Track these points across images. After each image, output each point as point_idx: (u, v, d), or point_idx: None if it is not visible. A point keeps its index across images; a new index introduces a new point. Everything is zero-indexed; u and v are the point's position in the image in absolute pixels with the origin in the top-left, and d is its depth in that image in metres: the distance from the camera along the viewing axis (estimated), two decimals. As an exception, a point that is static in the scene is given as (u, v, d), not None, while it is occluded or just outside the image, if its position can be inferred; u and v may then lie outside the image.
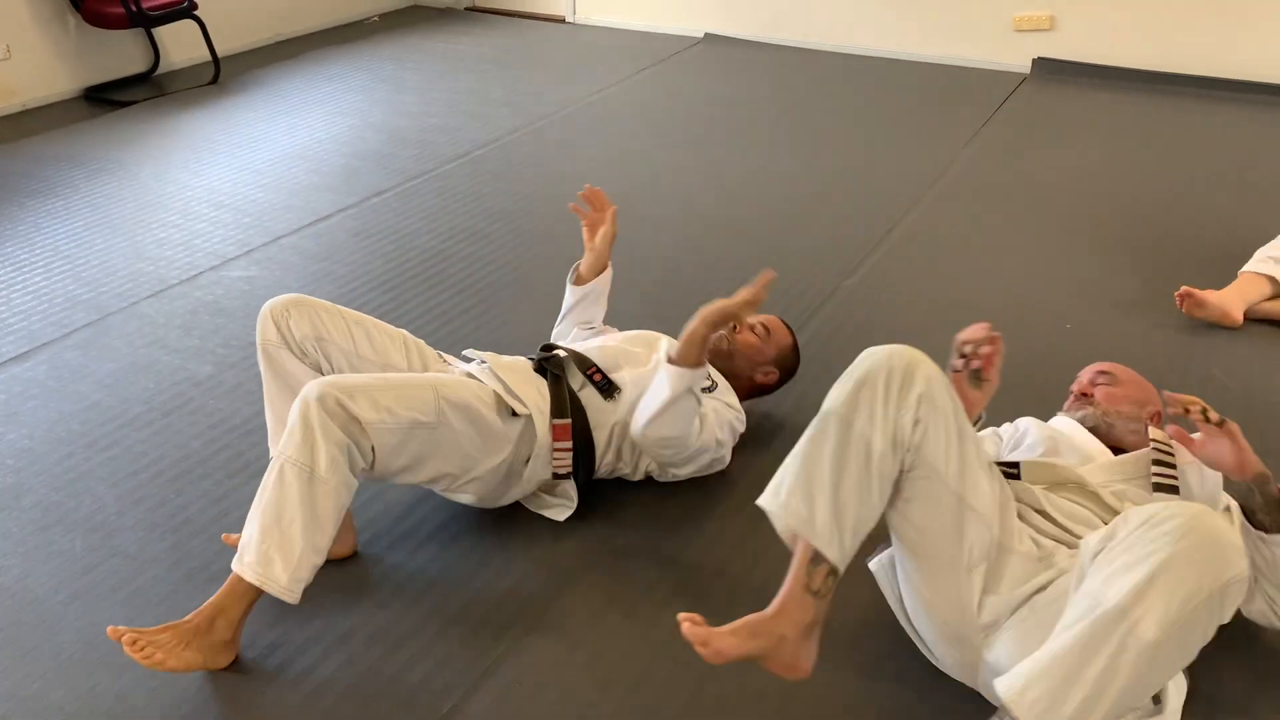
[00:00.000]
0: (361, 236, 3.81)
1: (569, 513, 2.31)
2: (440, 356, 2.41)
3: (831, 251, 3.69)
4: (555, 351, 2.38)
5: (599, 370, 2.35)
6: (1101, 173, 4.40)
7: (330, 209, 4.04)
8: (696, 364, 2.11)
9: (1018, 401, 2.49)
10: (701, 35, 6.48)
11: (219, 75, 5.55)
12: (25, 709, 1.89)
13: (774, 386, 2.64)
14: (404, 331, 2.39)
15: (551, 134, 4.88)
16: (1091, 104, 5.28)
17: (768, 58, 6.06)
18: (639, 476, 2.43)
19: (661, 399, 2.13)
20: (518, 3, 7.06)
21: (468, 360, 2.39)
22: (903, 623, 1.94)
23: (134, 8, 5.09)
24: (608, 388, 2.32)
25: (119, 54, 5.51)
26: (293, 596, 1.91)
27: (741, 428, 2.47)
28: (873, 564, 1.97)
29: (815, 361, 3.01)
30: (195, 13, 5.36)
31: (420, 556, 2.26)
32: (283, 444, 1.94)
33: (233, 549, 1.98)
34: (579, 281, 2.72)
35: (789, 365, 2.65)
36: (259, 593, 1.92)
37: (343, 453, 1.94)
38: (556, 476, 2.30)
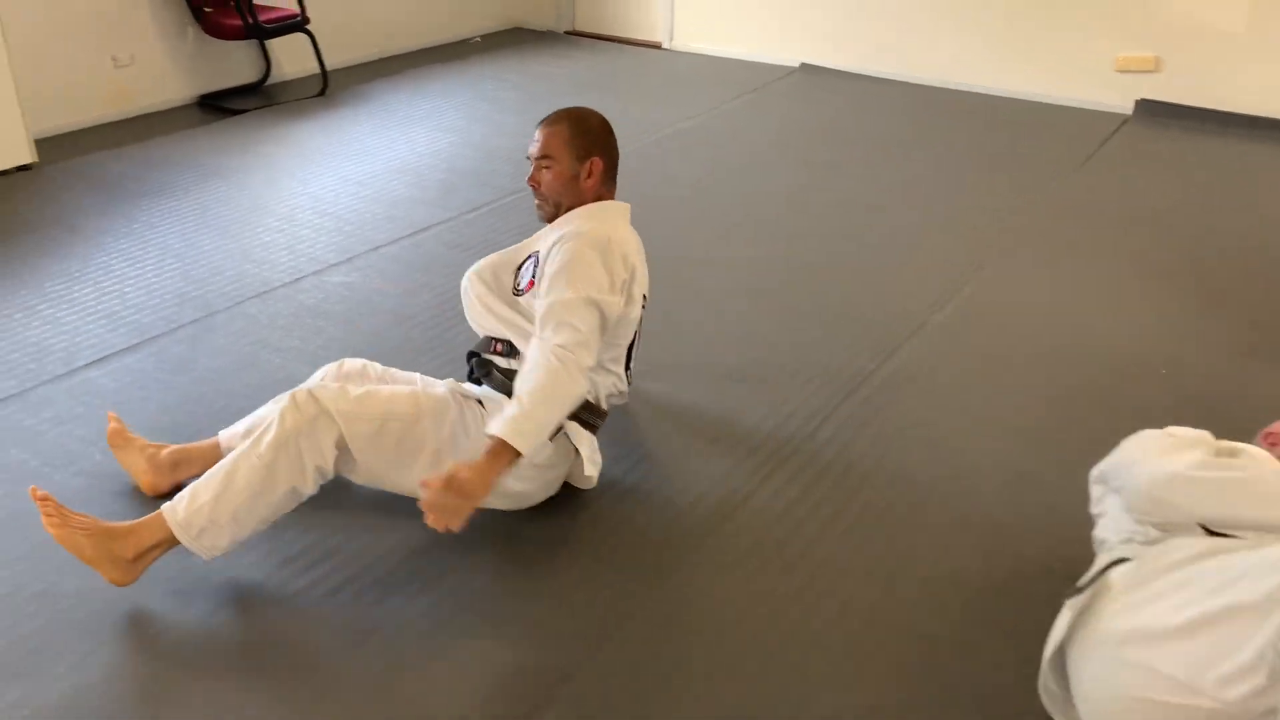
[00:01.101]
0: (457, 249, 3.91)
1: (596, 470, 2.33)
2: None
3: (919, 285, 3.68)
4: (473, 360, 2.46)
5: (497, 340, 2.43)
6: (1204, 218, 4.31)
7: (428, 221, 4.15)
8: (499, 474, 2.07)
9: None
10: (797, 65, 6.51)
11: (327, 87, 5.75)
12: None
13: (611, 166, 2.49)
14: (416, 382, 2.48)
15: (643, 158, 4.94)
16: (1196, 148, 5.17)
17: (864, 90, 6.06)
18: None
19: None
20: (615, 28, 7.17)
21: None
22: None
23: (250, 20, 5.30)
24: (511, 351, 2.39)
25: (233, 64, 5.74)
26: (203, 551, 2.10)
27: (584, 256, 2.26)
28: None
29: (896, 396, 3.01)
30: (307, 27, 5.57)
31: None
32: (259, 434, 2.12)
33: None
34: None
35: (599, 142, 2.45)
36: (175, 542, 2.09)
37: (287, 447, 2.10)
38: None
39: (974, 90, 6.05)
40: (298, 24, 5.53)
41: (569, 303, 2.20)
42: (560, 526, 2.43)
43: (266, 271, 3.70)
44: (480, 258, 3.77)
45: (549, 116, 2.44)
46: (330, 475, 2.20)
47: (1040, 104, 5.83)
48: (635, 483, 2.61)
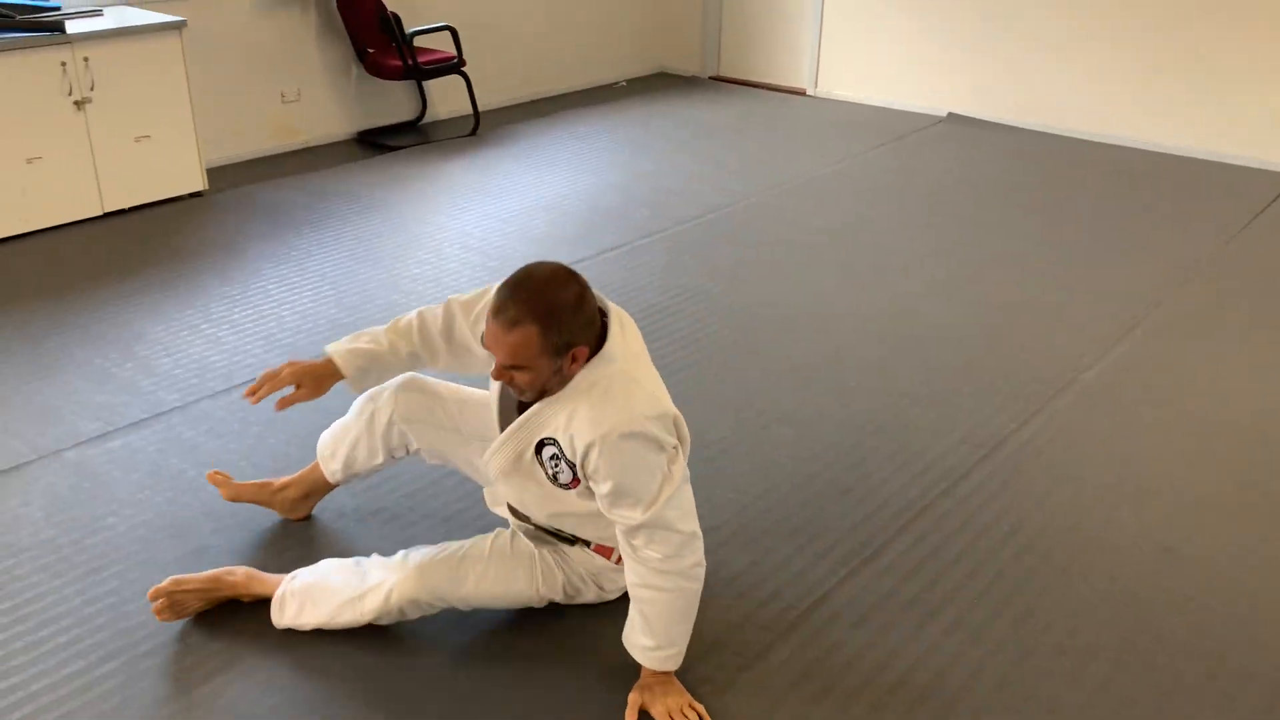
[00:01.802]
0: (594, 287, 3.97)
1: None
2: None
3: (1066, 344, 3.56)
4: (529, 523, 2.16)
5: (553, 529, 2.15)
6: (1379, 285, 4.06)
7: (566, 259, 4.21)
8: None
9: None
10: (944, 115, 6.42)
11: (478, 127, 5.95)
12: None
13: (598, 344, 1.91)
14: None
15: (782, 203, 4.95)
16: (1372, 211, 4.88)
17: (1013, 142, 5.93)
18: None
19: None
20: (760, 74, 7.22)
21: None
22: None
23: (410, 62, 5.54)
24: (571, 539, 2.16)
25: (392, 103, 6.00)
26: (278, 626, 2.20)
27: (648, 459, 1.90)
28: None
29: (1038, 459, 2.91)
30: (463, 69, 5.78)
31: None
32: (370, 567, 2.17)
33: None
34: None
35: (572, 327, 1.84)
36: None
37: (389, 614, 2.14)
38: None
39: (1128, 144, 5.85)
40: (454, 66, 5.75)
41: (648, 524, 1.90)
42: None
43: (414, 301, 3.83)
44: (616, 295, 3.89)
45: (506, 310, 1.80)
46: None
47: (1200, 160, 5.60)
48: (769, 526, 2.59)
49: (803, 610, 2.31)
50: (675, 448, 1.96)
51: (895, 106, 6.62)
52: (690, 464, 2.82)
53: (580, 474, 1.92)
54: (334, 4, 5.52)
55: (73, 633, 2.20)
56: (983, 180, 5.31)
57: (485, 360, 2.02)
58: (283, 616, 2.18)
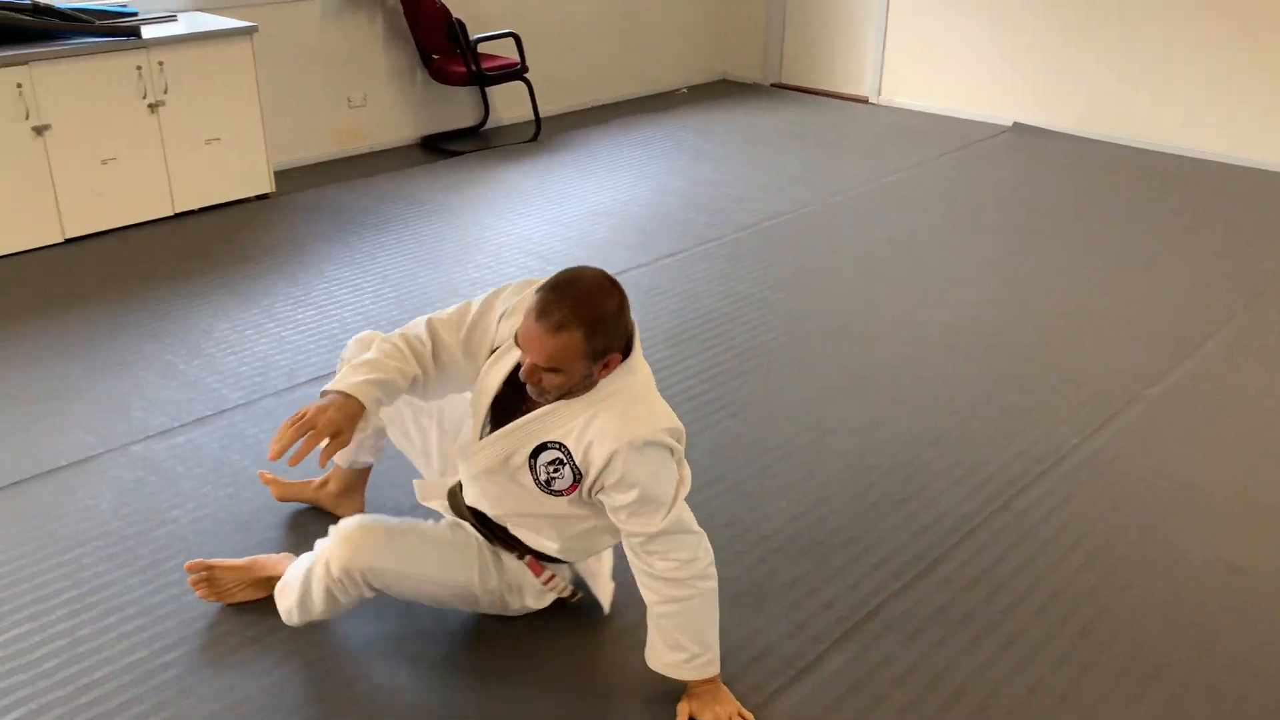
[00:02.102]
0: (652, 293, 3.98)
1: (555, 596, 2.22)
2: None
3: (1133, 358, 3.49)
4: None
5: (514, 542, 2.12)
6: None
7: (625, 265, 4.25)
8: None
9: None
10: (1010, 124, 6.33)
11: (539, 133, 5.99)
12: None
13: (626, 351, 1.91)
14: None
15: (843, 211, 4.91)
16: None
17: (1080, 152, 5.83)
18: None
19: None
20: (822, 81, 7.18)
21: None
22: None
23: (474, 68, 5.60)
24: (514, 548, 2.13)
25: (455, 109, 6.07)
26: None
27: (666, 469, 1.92)
28: None
29: (1101, 474, 2.85)
30: (526, 75, 5.83)
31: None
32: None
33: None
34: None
35: (615, 335, 1.85)
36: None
37: (335, 585, 2.02)
38: (565, 600, 2.25)
39: (1199, 156, 5.72)
40: (517, 72, 5.80)
41: (668, 529, 1.91)
42: (771, 572, 2.42)
43: (472, 305, 3.87)
44: (674, 301, 3.89)
45: (552, 313, 1.77)
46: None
47: (1275, 174, 5.45)
48: (822, 537, 2.57)
49: (855, 622, 2.28)
50: (681, 457, 1.98)
51: (959, 115, 6.54)
52: (743, 471, 2.83)
53: (585, 481, 1.90)
54: (400, 11, 5.60)
55: (137, 622, 2.25)
56: (1048, 191, 5.23)
57: (469, 377, 2.05)
58: (281, 606, 2.14)
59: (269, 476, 2.62)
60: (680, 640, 1.97)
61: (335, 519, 2.25)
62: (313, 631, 2.21)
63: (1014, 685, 2.11)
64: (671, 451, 1.92)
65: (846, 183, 5.29)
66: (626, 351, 1.90)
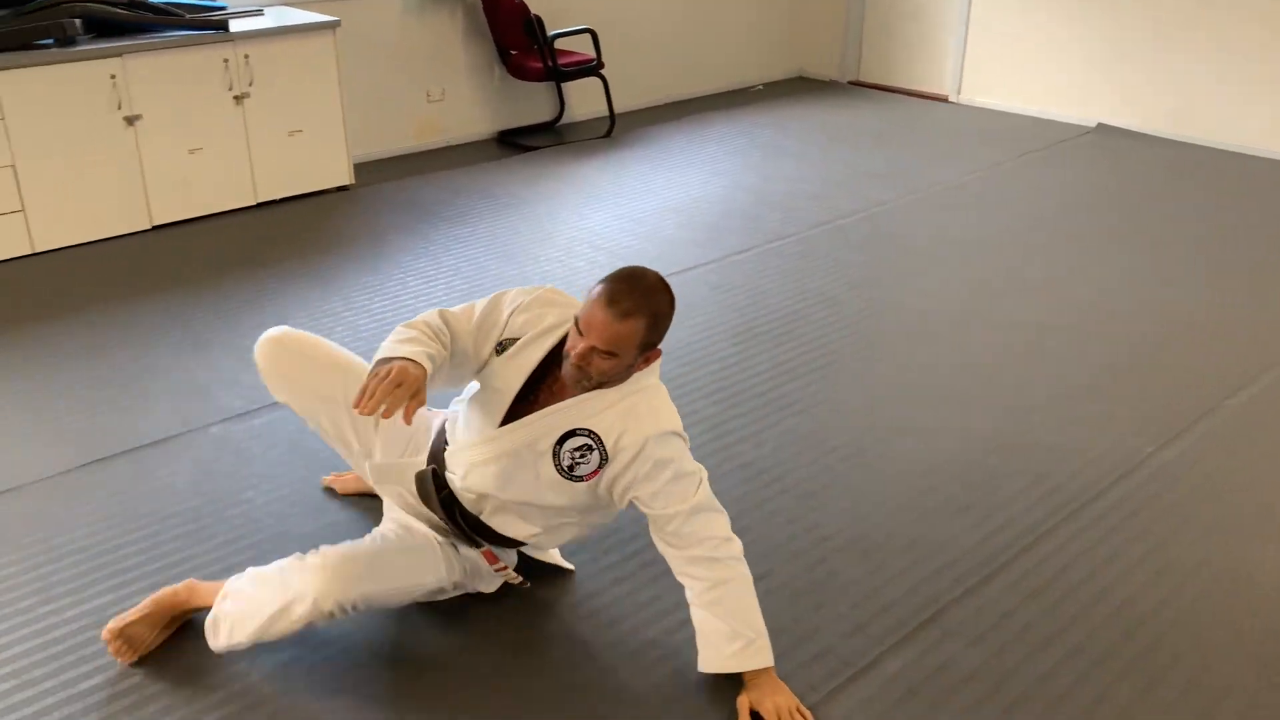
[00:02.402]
0: (720, 290, 3.98)
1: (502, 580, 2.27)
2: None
3: (1213, 367, 3.39)
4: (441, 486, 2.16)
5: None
6: None
7: (694, 261, 4.25)
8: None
9: None
10: (1093, 125, 6.19)
11: (613, 129, 6.02)
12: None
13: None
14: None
15: (919, 211, 4.85)
16: None
17: (1166, 155, 5.68)
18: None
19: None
20: (901, 79, 7.09)
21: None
22: None
23: (550, 64, 5.65)
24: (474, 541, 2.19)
25: (531, 104, 6.13)
26: (216, 650, 2.09)
27: (687, 464, 2.04)
28: None
29: (1174, 485, 2.78)
30: (601, 71, 5.86)
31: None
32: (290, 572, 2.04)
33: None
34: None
35: (666, 328, 1.99)
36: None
37: (320, 619, 2.01)
38: (518, 585, 2.30)
39: (1295, 159, 5.53)
40: (593, 68, 5.83)
41: (702, 504, 2.01)
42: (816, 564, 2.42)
43: (542, 298, 3.91)
44: (742, 299, 3.89)
45: (621, 301, 1.90)
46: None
47: (1375, 178, 5.25)
48: (884, 538, 2.55)
49: (915, 626, 2.26)
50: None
51: (1042, 115, 6.41)
52: (806, 470, 2.82)
53: (610, 468, 2.00)
54: (480, 7, 5.68)
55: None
56: (1132, 193, 5.10)
57: (471, 368, 2.13)
58: (217, 640, 2.07)
59: (329, 479, 2.70)
60: (735, 626, 2.00)
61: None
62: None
63: (1076, 697, 2.08)
64: (682, 443, 2.05)
65: (923, 182, 5.23)
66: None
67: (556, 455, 2.02)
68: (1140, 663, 2.17)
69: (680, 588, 2.07)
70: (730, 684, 2.06)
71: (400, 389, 1.86)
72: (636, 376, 2.02)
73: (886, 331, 3.66)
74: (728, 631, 2.00)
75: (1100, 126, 6.16)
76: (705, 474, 2.05)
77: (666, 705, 2.06)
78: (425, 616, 2.27)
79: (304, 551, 2.08)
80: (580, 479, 2.02)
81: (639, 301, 1.91)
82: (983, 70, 6.66)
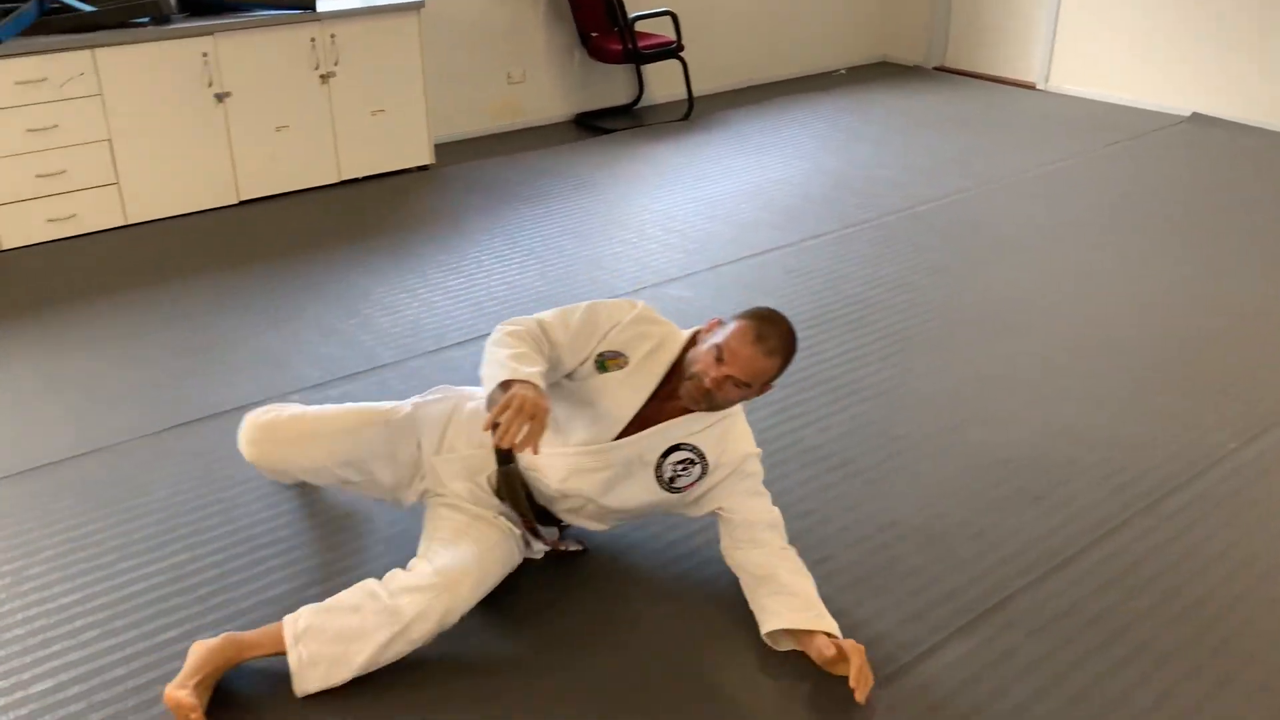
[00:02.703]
0: (795, 274, 3.96)
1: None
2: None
3: (1304, 362, 3.28)
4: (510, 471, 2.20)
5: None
6: None
7: (769, 245, 4.23)
8: None
9: None
10: (1188, 115, 5.99)
11: (691, 112, 6.01)
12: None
13: None
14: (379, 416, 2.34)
15: (1001, 198, 4.76)
16: None
17: (1263, 145, 5.47)
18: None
19: None
20: (987, 65, 6.95)
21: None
22: None
23: (630, 46, 5.66)
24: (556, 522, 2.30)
25: (610, 87, 6.15)
26: (300, 694, 1.99)
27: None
28: None
29: (1259, 481, 2.70)
30: (681, 54, 5.85)
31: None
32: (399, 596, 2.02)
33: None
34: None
35: (781, 371, 2.15)
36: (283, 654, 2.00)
37: (439, 633, 2.03)
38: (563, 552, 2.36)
39: (1404, 152, 5.29)
40: (672, 51, 5.83)
41: (770, 529, 2.22)
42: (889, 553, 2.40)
43: (612, 279, 3.93)
44: (817, 283, 3.86)
45: (768, 340, 2.08)
46: None
47: None
48: (951, 526, 2.52)
49: (979, 614, 2.24)
50: None
51: (1133, 104, 6.23)
52: (872, 456, 2.80)
53: (709, 478, 2.17)
54: (562, -12, 5.71)
55: (284, 557, 2.40)
56: (1224, 185, 4.93)
57: (558, 377, 2.18)
58: (307, 684, 1.98)
59: None
60: (808, 588, 2.12)
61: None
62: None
63: (1141, 692, 2.03)
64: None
65: (1006, 170, 5.12)
66: None
67: (659, 467, 2.15)
68: (1211, 661, 2.11)
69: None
70: (743, 632, 2.07)
71: (534, 422, 1.89)
72: (735, 418, 2.22)
73: (963, 320, 3.60)
74: (810, 595, 2.10)
75: (1195, 116, 5.96)
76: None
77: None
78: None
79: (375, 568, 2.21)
80: (679, 490, 2.17)
81: (782, 343, 2.10)
82: (1073, 57, 6.49)
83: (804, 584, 2.13)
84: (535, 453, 1.91)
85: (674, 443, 2.15)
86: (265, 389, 3.13)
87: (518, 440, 1.88)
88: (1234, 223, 4.43)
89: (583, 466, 2.16)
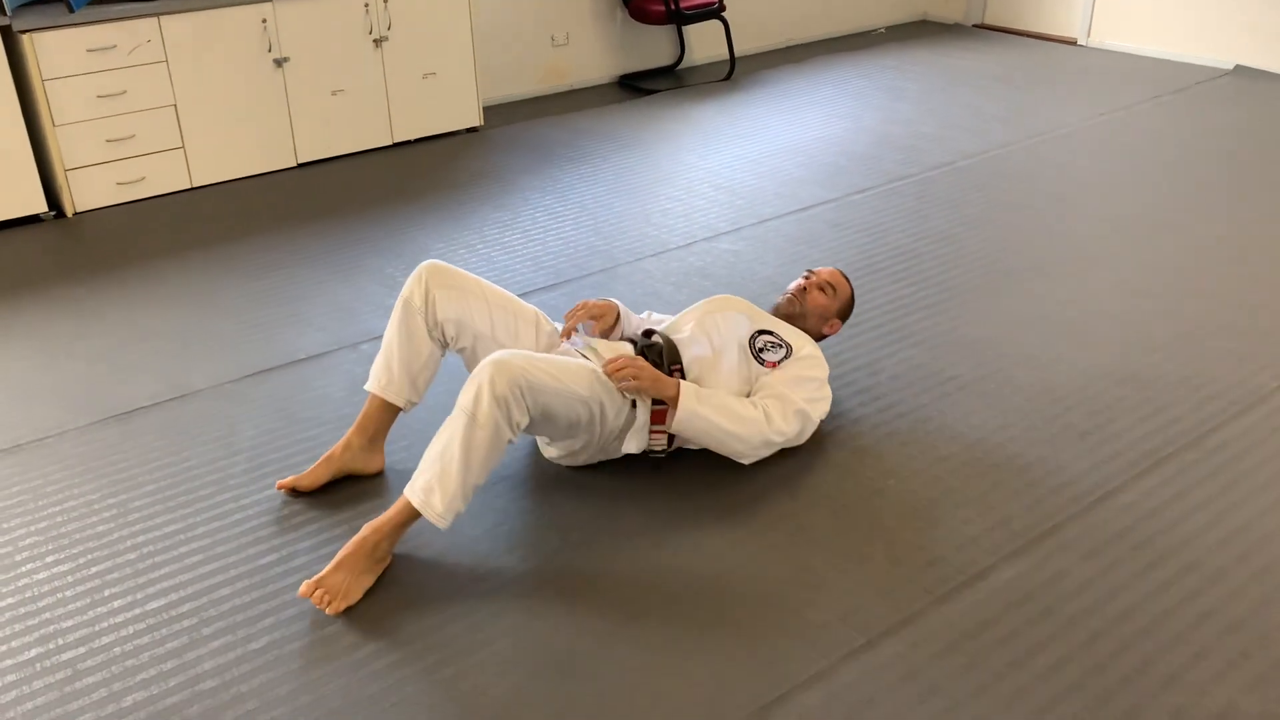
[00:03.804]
0: (839, 228, 4.04)
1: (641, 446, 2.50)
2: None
3: (1348, 306, 3.33)
4: (654, 339, 2.59)
5: (681, 368, 2.54)
6: None
7: (813, 200, 4.32)
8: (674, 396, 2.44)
9: None
10: (1231, 67, 5.98)
11: (733, 72, 6.08)
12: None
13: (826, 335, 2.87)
14: (536, 311, 2.65)
15: (1043, 152, 4.81)
16: None
17: (1307, 95, 5.47)
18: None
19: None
20: (1027, 22, 6.95)
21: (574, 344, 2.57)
22: None
23: (673, 6, 5.72)
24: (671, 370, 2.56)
25: (652, 48, 6.23)
26: (444, 524, 2.18)
27: (826, 389, 2.67)
28: None
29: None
30: (723, 14, 5.91)
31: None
32: (462, 396, 2.20)
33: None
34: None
35: (848, 313, 2.89)
36: (418, 515, 2.21)
37: (501, 409, 2.17)
38: (652, 454, 2.51)
39: None
40: (714, 11, 5.89)
41: (793, 406, 2.56)
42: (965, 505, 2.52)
43: (664, 234, 4.04)
44: (861, 236, 3.95)
45: (838, 277, 2.89)
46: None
47: None
48: (1000, 460, 2.62)
49: (1030, 539, 2.35)
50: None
51: (1175, 58, 6.22)
52: (922, 397, 2.91)
53: (790, 357, 2.63)
54: (605, -49, 5.78)
55: (366, 490, 2.54)
56: (1271, 135, 4.95)
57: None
58: (435, 506, 2.17)
59: (286, 482, 2.55)
60: (721, 398, 2.50)
61: (367, 477, 2.59)
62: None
63: (1185, 610, 2.14)
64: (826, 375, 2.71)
65: (1047, 125, 5.16)
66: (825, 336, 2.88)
67: (752, 344, 2.62)
68: (1254, 581, 2.21)
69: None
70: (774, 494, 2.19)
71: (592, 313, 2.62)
72: (816, 345, 2.74)
73: (1007, 270, 3.68)
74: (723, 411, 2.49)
75: (1238, 68, 5.96)
76: (803, 412, 2.57)
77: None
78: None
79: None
80: (764, 364, 2.60)
81: (846, 277, 2.93)
82: (1114, 11, 6.49)
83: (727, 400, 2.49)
84: (594, 333, 2.59)
85: (764, 328, 2.67)
86: (337, 338, 3.28)
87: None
88: (1278, 173, 4.46)
89: (707, 344, 2.60)
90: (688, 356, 2.57)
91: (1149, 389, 2.92)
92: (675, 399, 2.41)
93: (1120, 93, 5.63)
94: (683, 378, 2.53)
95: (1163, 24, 6.28)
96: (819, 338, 2.82)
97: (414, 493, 2.20)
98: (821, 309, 2.80)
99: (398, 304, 2.54)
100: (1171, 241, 3.85)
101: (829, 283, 2.82)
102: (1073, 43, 6.68)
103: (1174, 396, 2.88)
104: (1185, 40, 6.21)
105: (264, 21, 4.46)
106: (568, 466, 2.62)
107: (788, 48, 6.76)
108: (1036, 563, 2.28)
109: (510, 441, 2.24)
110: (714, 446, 2.50)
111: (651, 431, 2.48)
